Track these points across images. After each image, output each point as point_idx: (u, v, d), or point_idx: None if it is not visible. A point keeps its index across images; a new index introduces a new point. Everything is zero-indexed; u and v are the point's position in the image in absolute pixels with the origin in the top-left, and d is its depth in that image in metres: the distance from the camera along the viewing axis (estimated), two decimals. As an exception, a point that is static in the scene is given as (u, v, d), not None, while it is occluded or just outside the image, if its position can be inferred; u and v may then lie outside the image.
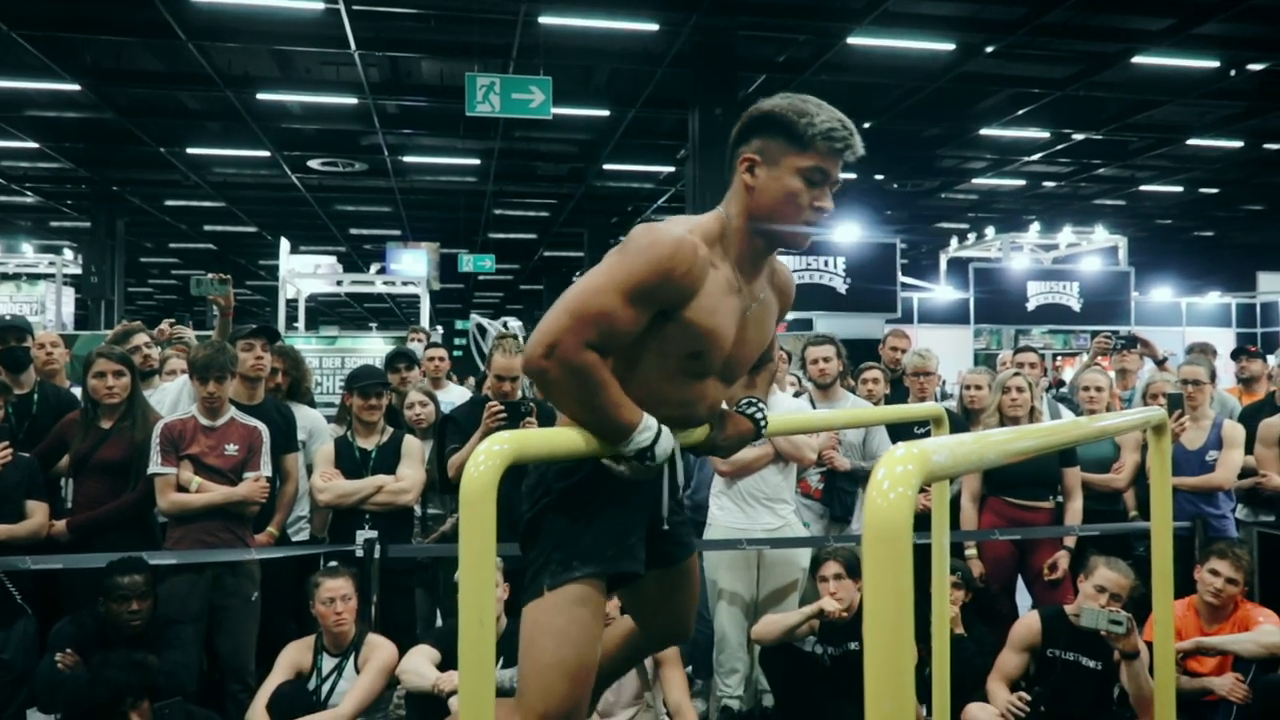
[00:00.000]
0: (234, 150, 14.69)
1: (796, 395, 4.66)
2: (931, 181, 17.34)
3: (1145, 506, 4.44)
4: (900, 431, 4.29)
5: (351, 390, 4.15)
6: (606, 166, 15.14)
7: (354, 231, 21.99)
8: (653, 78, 11.42)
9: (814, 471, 4.35)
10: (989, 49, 10.48)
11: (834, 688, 3.56)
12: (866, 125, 13.28)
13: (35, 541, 3.67)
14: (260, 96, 12.11)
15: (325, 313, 30.38)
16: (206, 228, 21.32)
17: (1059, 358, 12.49)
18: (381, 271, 13.68)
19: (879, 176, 16.65)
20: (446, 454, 4.11)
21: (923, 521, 1.68)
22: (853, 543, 3.92)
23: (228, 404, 3.77)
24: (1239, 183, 17.29)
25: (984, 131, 13.64)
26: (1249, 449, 4.50)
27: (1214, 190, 18.05)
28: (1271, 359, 5.77)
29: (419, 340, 7.34)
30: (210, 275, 4.32)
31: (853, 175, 16.39)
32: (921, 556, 1.23)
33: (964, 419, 4.54)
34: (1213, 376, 4.85)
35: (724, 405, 2.00)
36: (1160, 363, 5.68)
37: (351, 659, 3.53)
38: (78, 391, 4.13)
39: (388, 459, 4.07)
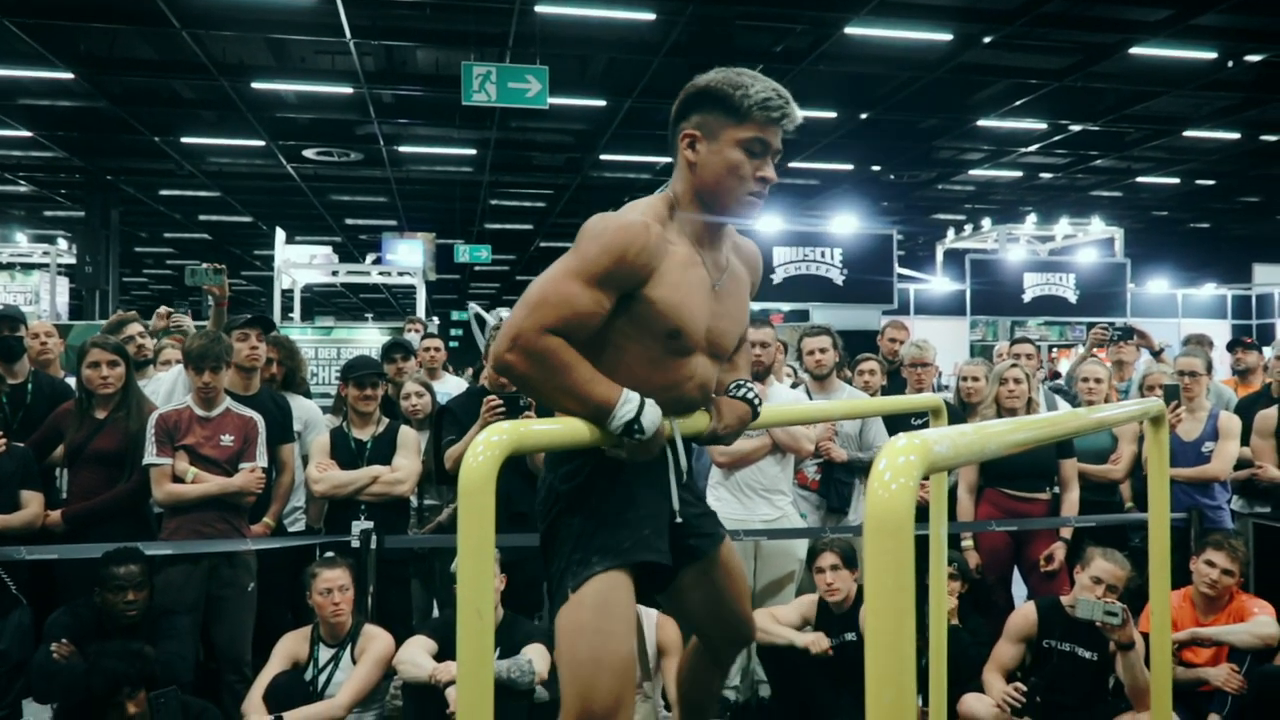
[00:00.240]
0: (229, 140, 14.63)
1: (794, 386, 4.66)
2: (928, 173, 17.32)
3: (1141, 498, 4.45)
4: (897, 423, 4.29)
5: (347, 381, 4.14)
6: (603, 157, 15.09)
7: (349, 222, 21.93)
8: (649, 67, 11.38)
9: (811, 463, 4.35)
10: (986, 39, 10.46)
11: (830, 679, 3.57)
12: (863, 116, 13.26)
13: (30, 532, 3.66)
14: (255, 85, 12.04)
15: (321, 303, 30.35)
16: (201, 217, 21.24)
17: (1055, 349, 12.50)
18: (377, 262, 13.65)
19: (876, 167, 16.62)
20: (443, 445, 4.10)
21: (920, 513, 1.67)
22: (850, 534, 3.93)
23: (223, 394, 3.76)
24: (1236, 175, 17.29)
25: (981, 122, 13.63)
26: (1245, 440, 4.51)
27: (1211, 182, 18.05)
28: (1268, 350, 5.77)
29: (416, 331, 7.33)
30: (205, 265, 4.31)
31: (849, 166, 16.39)
32: (919, 548, 1.23)
33: (961, 410, 4.54)
34: (1209, 368, 4.86)
35: (712, 392, 1.98)
36: (1157, 354, 5.68)
37: (348, 650, 3.53)
38: (72, 381, 4.12)
39: (383, 449, 4.07)
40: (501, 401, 3.61)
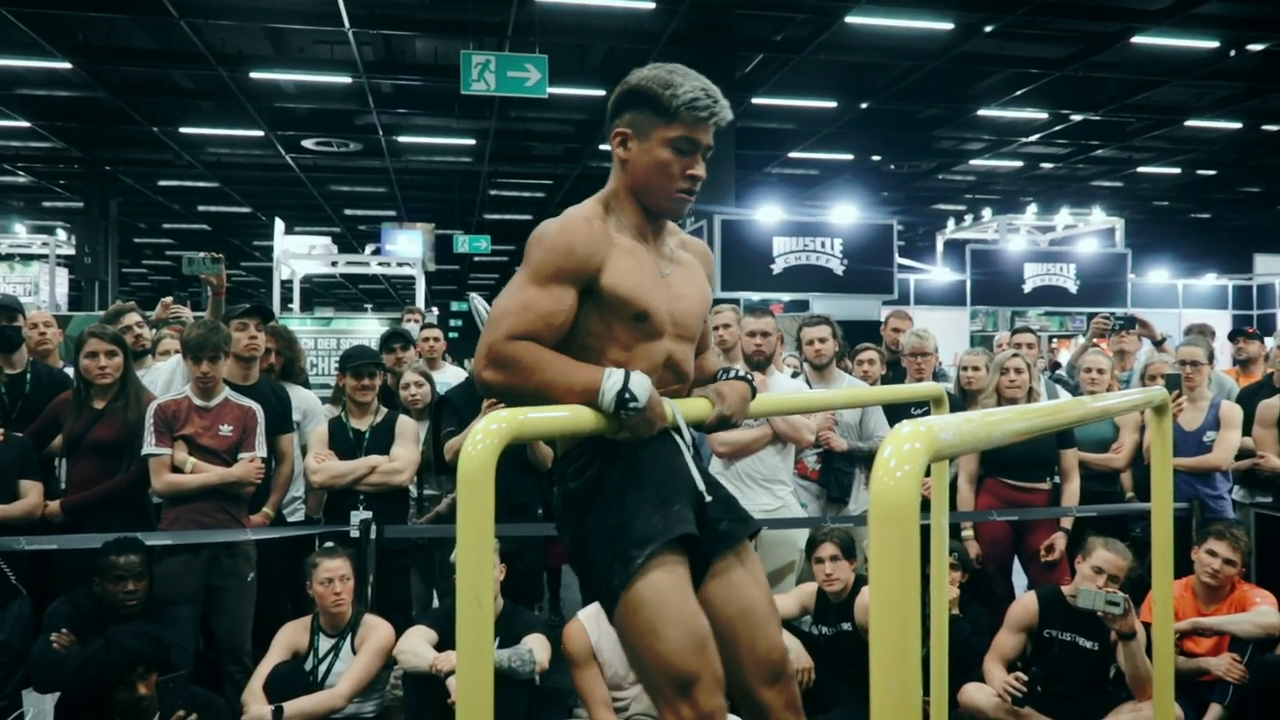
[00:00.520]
0: (227, 130, 14.58)
1: (794, 376, 4.65)
2: (929, 163, 17.28)
3: (1142, 488, 4.45)
4: (898, 413, 4.28)
5: (344, 371, 4.13)
6: (603, 147, 15.04)
7: (349, 212, 21.88)
8: (649, 57, 11.34)
9: (811, 452, 4.34)
10: (988, 28, 10.41)
11: (828, 667, 3.57)
12: (864, 105, 13.22)
13: (30, 522, 3.66)
14: (254, 75, 12.00)
15: (320, 294, 30.33)
16: (200, 208, 21.19)
17: (1055, 340, 12.48)
18: (377, 252, 13.59)
19: (876, 158, 16.59)
20: (442, 436, 4.10)
21: (921, 503, 1.66)
22: (850, 524, 3.92)
23: (222, 384, 3.75)
24: (1237, 165, 17.25)
25: (982, 112, 13.58)
26: (1247, 430, 4.50)
27: (1212, 172, 18.01)
28: (1269, 340, 5.76)
29: (414, 321, 7.31)
30: (202, 254, 4.28)
31: (850, 156, 16.35)
32: (920, 538, 1.22)
33: (961, 400, 4.53)
34: (1211, 357, 4.84)
35: (691, 376, 1.99)
36: (1159, 344, 5.67)
37: (348, 639, 3.53)
38: (71, 372, 4.11)
39: (381, 439, 4.06)
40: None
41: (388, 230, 14.02)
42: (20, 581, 3.59)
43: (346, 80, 12.27)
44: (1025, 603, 3.64)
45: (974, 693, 3.44)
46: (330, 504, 4.07)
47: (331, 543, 3.74)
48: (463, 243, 18.10)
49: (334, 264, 12.06)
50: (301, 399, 4.34)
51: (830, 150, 15.89)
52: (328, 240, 11.99)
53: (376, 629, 3.53)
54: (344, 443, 4.04)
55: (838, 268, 8.88)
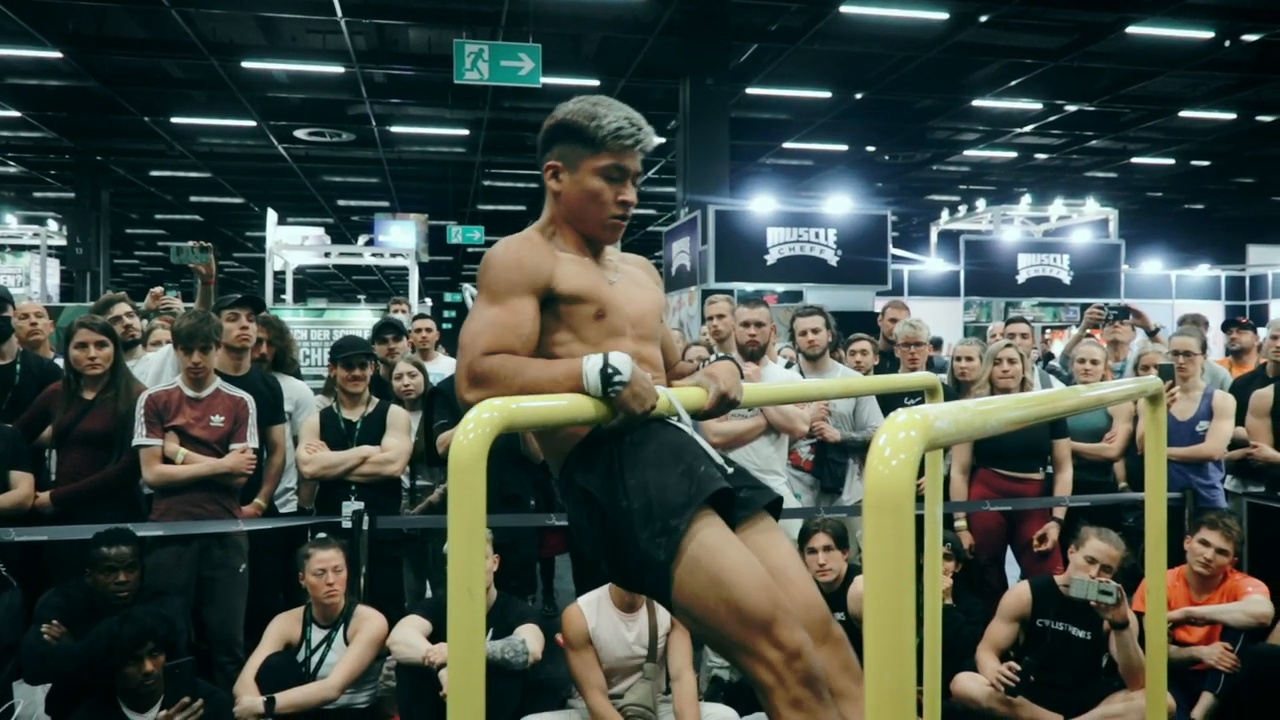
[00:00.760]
0: (219, 120, 14.51)
1: (788, 367, 4.64)
2: (923, 153, 17.27)
3: (1134, 478, 4.46)
4: (891, 403, 4.28)
5: (335, 361, 4.12)
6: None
7: (341, 203, 21.81)
8: (643, 47, 11.30)
9: (804, 443, 4.34)
10: (982, 18, 10.40)
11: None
12: (858, 96, 13.20)
13: (20, 513, 3.64)
14: (245, 65, 11.94)
15: (313, 285, 30.18)
16: (192, 199, 21.11)
17: (1049, 330, 12.48)
18: (370, 243, 13.54)
19: (870, 148, 16.56)
20: (435, 428, 4.08)
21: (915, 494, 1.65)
22: (843, 514, 3.92)
23: (213, 375, 3.73)
24: (1231, 155, 17.27)
25: (976, 103, 13.57)
26: (1240, 420, 4.50)
27: (1205, 163, 18.03)
28: (1262, 331, 5.77)
29: (402, 312, 7.29)
30: (190, 243, 4.22)
31: (844, 147, 16.33)
32: (914, 527, 1.21)
33: (955, 390, 4.53)
34: (1204, 347, 4.85)
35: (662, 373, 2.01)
36: (1152, 334, 5.68)
37: (341, 630, 3.52)
38: (61, 362, 4.08)
39: (373, 430, 4.05)
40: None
41: (381, 221, 13.98)
42: (11, 573, 3.58)
43: (339, 70, 12.21)
44: (1018, 592, 3.64)
45: (967, 682, 3.45)
46: (322, 495, 4.06)
47: (324, 534, 3.73)
48: (456, 233, 18.07)
49: (327, 255, 12.01)
50: (293, 390, 4.32)
51: (825, 141, 15.86)
52: (320, 231, 11.95)
53: (369, 620, 3.52)
54: (335, 433, 4.02)
55: (832, 258, 8.86)
